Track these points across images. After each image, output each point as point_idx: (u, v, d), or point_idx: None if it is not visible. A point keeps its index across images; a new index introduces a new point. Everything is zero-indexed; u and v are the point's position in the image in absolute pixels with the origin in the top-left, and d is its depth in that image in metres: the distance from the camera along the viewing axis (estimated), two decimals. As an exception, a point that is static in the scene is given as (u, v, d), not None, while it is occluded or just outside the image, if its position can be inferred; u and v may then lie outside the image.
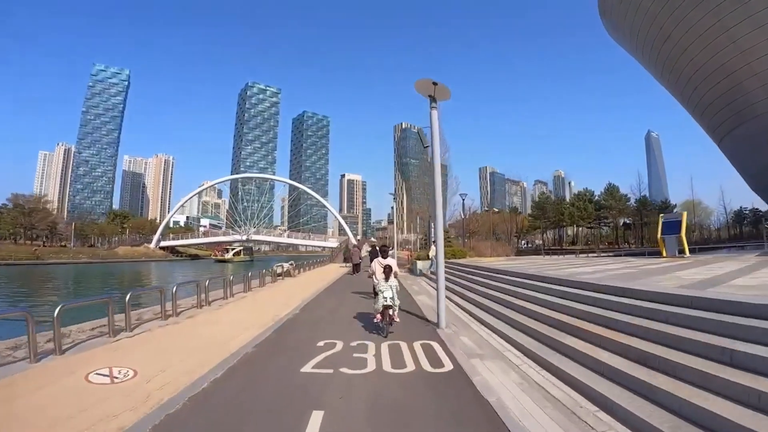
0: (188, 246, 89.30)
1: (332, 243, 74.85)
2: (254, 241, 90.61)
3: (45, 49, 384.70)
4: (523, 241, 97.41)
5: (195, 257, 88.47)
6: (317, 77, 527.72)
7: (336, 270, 30.57)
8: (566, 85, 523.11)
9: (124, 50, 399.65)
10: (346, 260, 33.02)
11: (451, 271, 20.53)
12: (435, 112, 9.91)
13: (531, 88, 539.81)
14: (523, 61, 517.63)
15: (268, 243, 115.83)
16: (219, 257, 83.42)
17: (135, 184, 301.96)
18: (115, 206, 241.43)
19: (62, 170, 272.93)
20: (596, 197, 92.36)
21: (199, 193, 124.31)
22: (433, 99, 9.81)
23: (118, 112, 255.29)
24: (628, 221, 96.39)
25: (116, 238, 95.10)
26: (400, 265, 12.91)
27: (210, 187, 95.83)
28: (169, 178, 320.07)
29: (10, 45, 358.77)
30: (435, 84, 9.56)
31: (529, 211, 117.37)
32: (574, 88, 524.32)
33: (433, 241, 23.77)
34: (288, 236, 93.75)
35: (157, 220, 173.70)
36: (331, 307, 12.25)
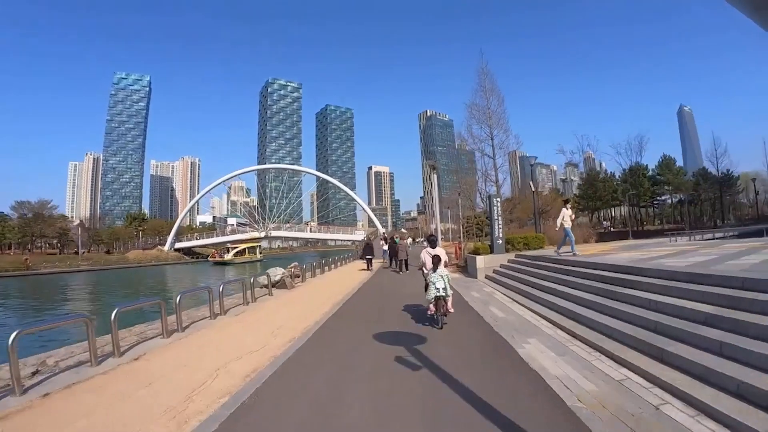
0: (205, 246, 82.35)
1: (359, 236, 66.37)
2: (273, 237, 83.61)
3: (66, 62, 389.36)
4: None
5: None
6: (337, 70, 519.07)
7: (359, 272, 22.48)
8: (589, 64, 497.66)
9: (143, 56, 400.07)
10: (364, 257, 25.32)
11: (540, 271, 12.16)
12: None
13: (548, 72, 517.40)
14: (545, 41, 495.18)
15: (296, 239, 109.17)
16: (218, 259, 71.33)
17: (164, 187, 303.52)
18: (146, 211, 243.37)
19: (92, 179, 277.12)
20: (649, 172, 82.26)
21: (225, 187, 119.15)
22: None
23: (142, 118, 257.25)
24: (684, 197, 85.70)
25: (131, 242, 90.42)
26: (449, 264, 8.79)
27: (228, 179, 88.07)
28: (197, 179, 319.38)
29: (34, 63, 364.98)
30: None
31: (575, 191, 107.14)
32: (598, 66, 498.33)
33: (565, 202, 15.46)
34: (310, 230, 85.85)
35: (187, 223, 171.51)
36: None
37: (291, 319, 9.46)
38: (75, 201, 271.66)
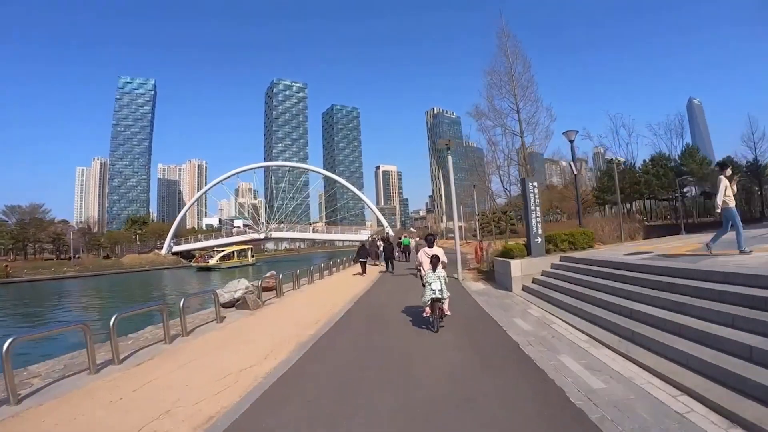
0: (205, 249, 75.94)
1: (364, 236, 61.97)
2: (274, 238, 79.38)
3: (71, 68, 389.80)
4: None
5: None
6: (343, 70, 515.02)
7: (356, 279, 18.46)
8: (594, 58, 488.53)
9: (149, 60, 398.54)
10: (357, 261, 21.90)
11: (626, 286, 7.97)
12: None
13: (555, 65, 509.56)
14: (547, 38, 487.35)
15: (302, 240, 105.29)
16: (201, 264, 64.05)
17: (171, 191, 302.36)
18: (154, 214, 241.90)
19: (100, 184, 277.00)
20: (671, 162, 77.33)
21: (232, 189, 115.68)
22: None
23: (148, 122, 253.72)
24: (708, 189, 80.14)
25: (133, 246, 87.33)
26: (467, 269, 6.03)
27: (230, 177, 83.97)
28: (204, 182, 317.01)
29: (42, 69, 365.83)
30: None
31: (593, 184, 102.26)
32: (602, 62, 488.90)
33: (721, 167, 8.61)
34: (313, 231, 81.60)
35: (194, 225, 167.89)
36: None
37: (208, 383, 5.32)
38: (83, 206, 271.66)
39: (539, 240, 12.74)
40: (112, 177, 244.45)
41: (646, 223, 48.45)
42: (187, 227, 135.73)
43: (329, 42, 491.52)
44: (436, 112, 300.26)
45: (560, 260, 12.04)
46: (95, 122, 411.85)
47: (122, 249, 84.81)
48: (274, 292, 13.30)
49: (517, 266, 11.81)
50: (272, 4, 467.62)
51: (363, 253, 21.50)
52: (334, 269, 23.66)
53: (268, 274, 14.25)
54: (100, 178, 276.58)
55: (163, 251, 74.06)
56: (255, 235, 74.80)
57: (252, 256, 72.35)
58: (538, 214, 12.64)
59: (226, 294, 11.15)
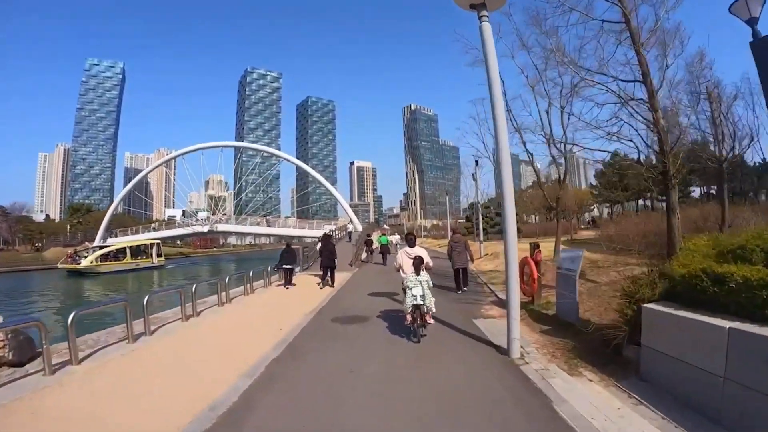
0: (152, 241, 58.93)
1: (323, 231, 53.91)
2: (220, 232, 71.20)
3: (38, 50, 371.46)
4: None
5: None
6: (319, 62, 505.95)
7: (279, 311, 11.97)
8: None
9: (119, 47, 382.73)
10: (281, 266, 15.53)
11: None
12: None
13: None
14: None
15: (268, 235, 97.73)
16: (71, 266, 46.44)
17: (138, 180, 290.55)
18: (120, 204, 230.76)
19: (63, 171, 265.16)
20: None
21: (202, 181, 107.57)
22: None
23: (114, 107, 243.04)
24: (713, 190, 74.45)
25: (75, 237, 79.31)
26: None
27: (185, 153, 76.37)
28: (173, 172, 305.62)
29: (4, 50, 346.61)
30: None
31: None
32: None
33: None
34: (268, 224, 73.29)
35: (161, 216, 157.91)
36: None
37: None
38: (45, 194, 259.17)
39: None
40: (75, 164, 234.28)
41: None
42: (154, 218, 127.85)
43: (305, 34, 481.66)
44: (413, 108, 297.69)
45: None
46: (61, 105, 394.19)
47: (58, 240, 76.17)
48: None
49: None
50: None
51: (289, 258, 15.20)
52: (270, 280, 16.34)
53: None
54: (63, 165, 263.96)
55: (95, 244, 65.59)
56: (199, 228, 66.58)
57: (159, 255, 55.60)
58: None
59: None
